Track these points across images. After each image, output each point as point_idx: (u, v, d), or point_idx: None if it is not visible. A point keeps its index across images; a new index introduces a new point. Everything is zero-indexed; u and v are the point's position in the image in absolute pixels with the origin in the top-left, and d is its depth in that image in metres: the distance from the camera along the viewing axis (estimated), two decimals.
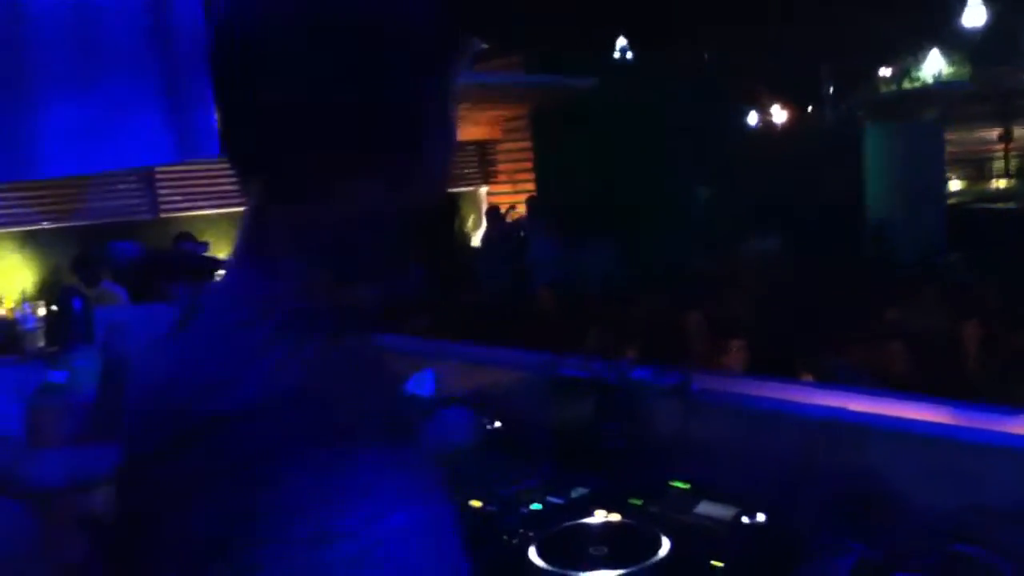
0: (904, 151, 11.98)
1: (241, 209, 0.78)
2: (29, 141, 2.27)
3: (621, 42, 13.57)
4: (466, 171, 12.25)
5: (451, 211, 11.99)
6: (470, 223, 11.73)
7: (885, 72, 20.21)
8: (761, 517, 1.72)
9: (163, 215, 9.24)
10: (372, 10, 0.71)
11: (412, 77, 0.72)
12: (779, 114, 15.75)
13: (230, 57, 0.73)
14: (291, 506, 0.63)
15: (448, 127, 0.78)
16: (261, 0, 0.72)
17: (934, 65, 19.73)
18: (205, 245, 8.09)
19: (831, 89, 17.32)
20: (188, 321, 0.76)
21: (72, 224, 8.53)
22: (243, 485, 0.63)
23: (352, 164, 0.73)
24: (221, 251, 7.88)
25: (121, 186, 8.90)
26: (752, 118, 14.53)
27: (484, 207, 11.97)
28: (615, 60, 13.44)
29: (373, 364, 0.81)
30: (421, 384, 2.46)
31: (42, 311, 6.72)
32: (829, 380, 3.75)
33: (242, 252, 0.77)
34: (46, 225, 8.61)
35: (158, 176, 9.14)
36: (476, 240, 11.60)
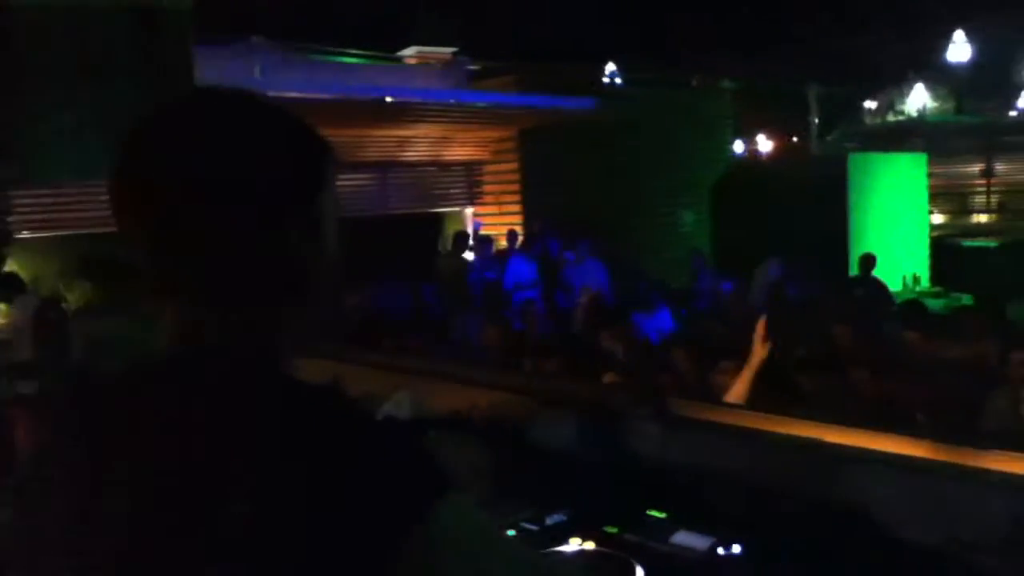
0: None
1: None
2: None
3: (610, 67, 13.67)
4: (452, 191, 12.26)
5: (434, 231, 11.99)
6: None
7: (871, 104, 20.44)
8: (737, 548, 1.70)
9: None
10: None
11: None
12: (764, 143, 15.89)
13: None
14: None
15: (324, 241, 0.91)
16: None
17: (919, 98, 19.95)
18: None
19: (816, 119, 17.49)
20: None
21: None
22: None
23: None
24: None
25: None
26: (738, 146, 14.65)
27: (470, 228, 11.96)
28: (605, 85, 13.54)
29: None
30: (398, 406, 2.43)
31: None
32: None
33: None
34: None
35: None
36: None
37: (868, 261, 9.46)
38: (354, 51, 12.38)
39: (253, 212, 0.84)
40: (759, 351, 3.52)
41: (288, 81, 9.16)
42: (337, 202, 0.92)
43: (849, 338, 5.30)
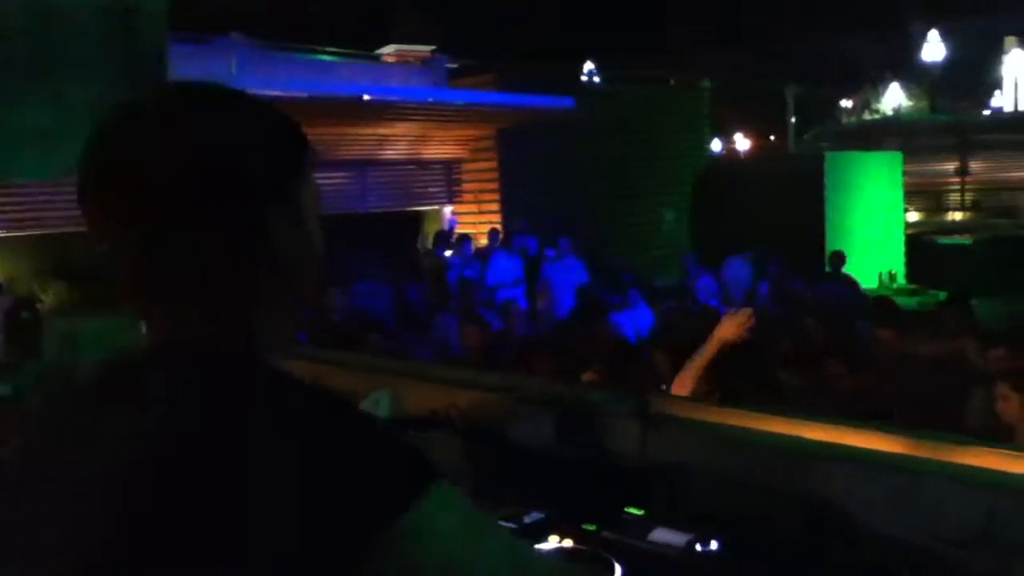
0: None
1: None
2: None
3: (588, 65, 13.69)
4: (431, 189, 12.23)
5: (414, 230, 11.97)
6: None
7: (846, 103, 20.61)
8: (715, 544, 1.71)
9: None
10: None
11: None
12: (742, 142, 15.96)
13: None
14: None
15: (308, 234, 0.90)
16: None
17: (894, 98, 20.13)
18: None
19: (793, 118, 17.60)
20: None
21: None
22: None
23: None
24: None
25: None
26: (716, 145, 14.73)
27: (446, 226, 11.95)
28: (583, 83, 13.56)
29: None
30: (377, 405, 2.43)
31: None
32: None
33: None
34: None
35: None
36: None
37: (838, 258, 9.53)
38: (332, 49, 12.34)
39: (235, 205, 0.82)
40: (717, 343, 3.24)
41: (266, 79, 9.11)
42: (317, 194, 0.92)
43: (821, 335, 5.34)
